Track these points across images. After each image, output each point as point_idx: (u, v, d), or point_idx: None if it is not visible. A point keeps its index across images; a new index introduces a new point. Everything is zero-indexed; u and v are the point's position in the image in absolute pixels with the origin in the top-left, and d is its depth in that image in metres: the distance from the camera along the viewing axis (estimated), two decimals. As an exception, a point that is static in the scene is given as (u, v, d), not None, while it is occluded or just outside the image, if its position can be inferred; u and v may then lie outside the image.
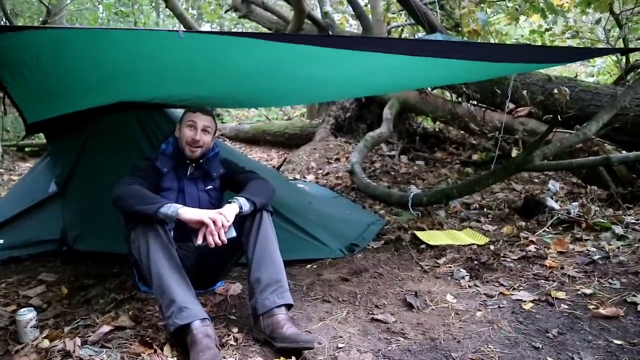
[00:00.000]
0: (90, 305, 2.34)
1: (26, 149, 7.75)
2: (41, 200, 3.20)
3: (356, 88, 3.48)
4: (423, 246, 3.02)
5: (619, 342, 1.79)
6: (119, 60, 2.22)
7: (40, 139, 6.98)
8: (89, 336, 1.90)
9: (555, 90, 4.23)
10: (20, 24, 10.55)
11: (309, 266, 2.83)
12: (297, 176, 5.48)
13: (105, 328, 1.95)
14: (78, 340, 1.80)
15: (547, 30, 6.59)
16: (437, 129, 6.82)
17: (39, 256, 3.12)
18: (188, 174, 2.34)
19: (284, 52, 2.15)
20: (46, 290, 2.59)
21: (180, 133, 2.34)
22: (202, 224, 1.89)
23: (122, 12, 11.69)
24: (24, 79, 2.18)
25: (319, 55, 2.21)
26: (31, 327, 1.92)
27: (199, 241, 1.89)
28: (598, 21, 6.06)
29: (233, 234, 1.97)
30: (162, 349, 1.81)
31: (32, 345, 1.85)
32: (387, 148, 6.23)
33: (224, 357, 1.77)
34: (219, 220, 1.89)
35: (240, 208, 2.01)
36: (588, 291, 2.21)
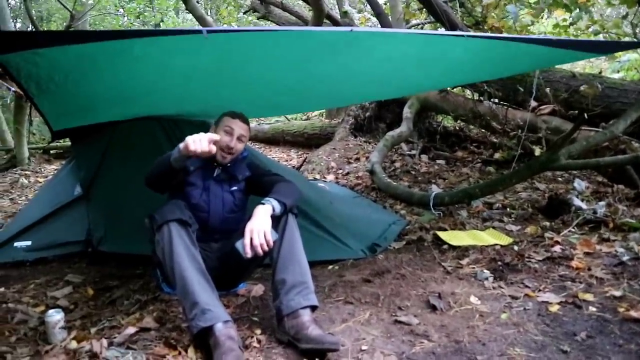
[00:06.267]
0: (115, 307, 2.38)
1: (51, 152, 7.92)
2: (67, 203, 3.28)
3: (378, 89, 3.47)
4: (445, 247, 2.99)
5: (651, 346, 1.74)
6: (142, 76, 2.28)
7: (66, 141, 7.14)
8: (115, 337, 1.93)
9: (582, 87, 4.14)
10: (45, 29, 10.79)
11: (330, 267, 2.83)
12: (317, 176, 5.48)
13: (131, 329, 1.98)
14: (104, 342, 1.83)
15: (571, 24, 6.45)
16: (457, 128, 6.73)
17: (65, 257, 3.20)
18: (214, 175, 2.37)
19: (308, 48, 2.16)
20: (73, 291, 2.64)
21: None
22: (187, 147, 1.93)
23: (144, 16, 11.86)
24: (50, 93, 2.25)
25: (342, 50, 2.22)
26: (59, 328, 1.96)
27: (249, 254, 1.92)
28: (625, 16, 5.90)
29: (275, 235, 2.00)
30: (186, 351, 1.82)
31: (60, 346, 1.89)
32: (407, 147, 6.18)
33: (247, 359, 1.78)
34: (259, 230, 1.92)
35: (273, 209, 2.02)
36: (617, 293, 2.14)
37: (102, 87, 2.37)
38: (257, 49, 2.13)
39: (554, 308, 2.08)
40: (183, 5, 7.34)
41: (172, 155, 2.07)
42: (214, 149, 1.95)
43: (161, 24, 12.37)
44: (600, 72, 5.79)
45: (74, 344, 1.87)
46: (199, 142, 1.92)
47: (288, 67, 2.44)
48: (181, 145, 2.00)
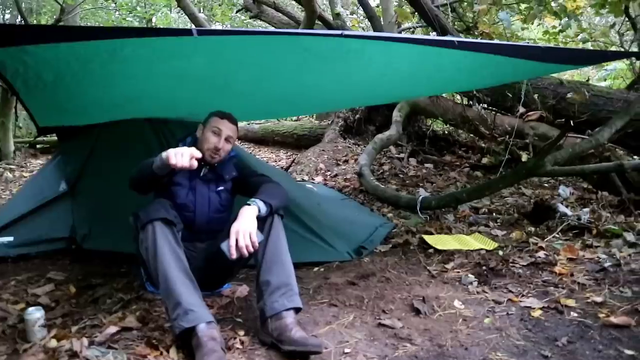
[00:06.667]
0: (97, 305, 2.35)
1: (38, 146, 7.82)
2: (51, 199, 3.23)
3: (370, 95, 3.47)
4: (431, 250, 3.00)
5: (630, 352, 1.76)
6: (133, 79, 2.26)
7: (53, 136, 7.06)
8: (96, 336, 1.91)
9: (570, 95, 4.19)
10: (35, 23, 10.65)
11: (316, 269, 2.82)
12: (306, 177, 5.47)
13: (112, 329, 1.96)
14: (85, 341, 1.80)
15: (560, 31, 6.53)
16: (446, 132, 6.77)
17: (48, 254, 3.14)
18: (201, 174, 2.35)
19: (300, 54, 2.15)
20: (55, 288, 2.60)
21: (203, 136, 2.34)
22: (169, 160, 1.93)
23: (136, 11, 11.73)
24: (38, 91, 2.22)
25: (335, 58, 2.21)
26: (39, 326, 1.92)
27: (234, 256, 1.91)
28: (612, 26, 5.99)
29: (261, 236, 2.00)
30: (168, 351, 1.81)
31: (39, 344, 1.85)
32: (396, 150, 6.20)
33: (230, 360, 1.77)
34: (245, 231, 1.92)
35: (259, 210, 2.02)
36: (598, 299, 2.17)
37: (92, 88, 2.34)
38: (249, 54, 2.12)
39: (537, 313, 2.11)
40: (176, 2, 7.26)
41: (155, 162, 2.05)
42: (195, 164, 1.95)
43: (153, 18, 12.24)
44: (587, 80, 5.86)
45: (53, 343, 1.84)
46: (180, 157, 1.92)
47: (280, 72, 2.44)
48: (163, 154, 1.99)
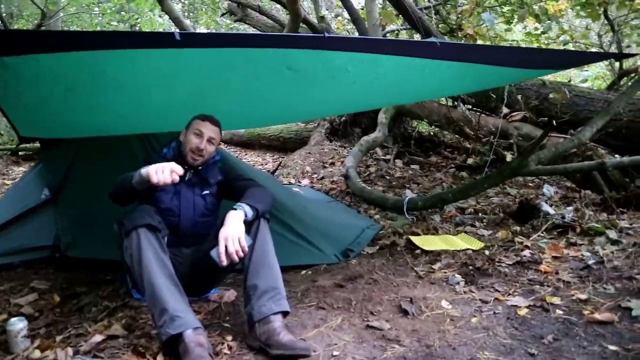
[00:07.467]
0: (82, 314, 2.32)
1: (20, 153, 7.69)
2: (34, 207, 3.17)
3: (356, 102, 3.48)
4: (418, 251, 3.01)
5: (613, 347, 1.78)
6: (117, 104, 2.23)
7: (36, 143, 6.94)
8: (81, 346, 1.88)
9: (551, 95, 4.25)
10: (16, 27, 10.49)
11: (303, 272, 2.82)
12: (292, 180, 5.46)
13: (98, 337, 1.93)
14: (70, 350, 1.78)
15: (542, 33, 6.63)
16: (432, 133, 6.82)
17: (32, 263, 3.09)
18: (186, 179, 2.34)
19: (284, 73, 2.15)
20: (38, 298, 2.56)
21: (185, 138, 2.35)
22: (150, 177, 1.92)
23: (121, 16, 11.63)
24: (19, 109, 2.18)
25: (319, 74, 2.21)
26: (22, 337, 1.89)
27: (224, 263, 1.90)
28: (587, 27, 6.11)
29: (249, 240, 1.99)
30: (155, 359, 1.79)
31: (22, 355, 1.83)
32: (382, 152, 6.23)
33: (218, 366, 1.76)
34: (234, 237, 1.91)
35: (245, 215, 2.01)
36: (583, 296, 2.20)
37: (75, 111, 2.32)
38: (234, 78, 2.12)
39: (523, 312, 2.12)
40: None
41: (134, 177, 2.04)
42: (176, 179, 1.94)
43: (137, 22, 12.13)
44: (569, 81, 5.96)
45: (37, 353, 1.81)
46: (161, 174, 1.91)
47: (266, 93, 2.44)
48: (143, 171, 1.98)
